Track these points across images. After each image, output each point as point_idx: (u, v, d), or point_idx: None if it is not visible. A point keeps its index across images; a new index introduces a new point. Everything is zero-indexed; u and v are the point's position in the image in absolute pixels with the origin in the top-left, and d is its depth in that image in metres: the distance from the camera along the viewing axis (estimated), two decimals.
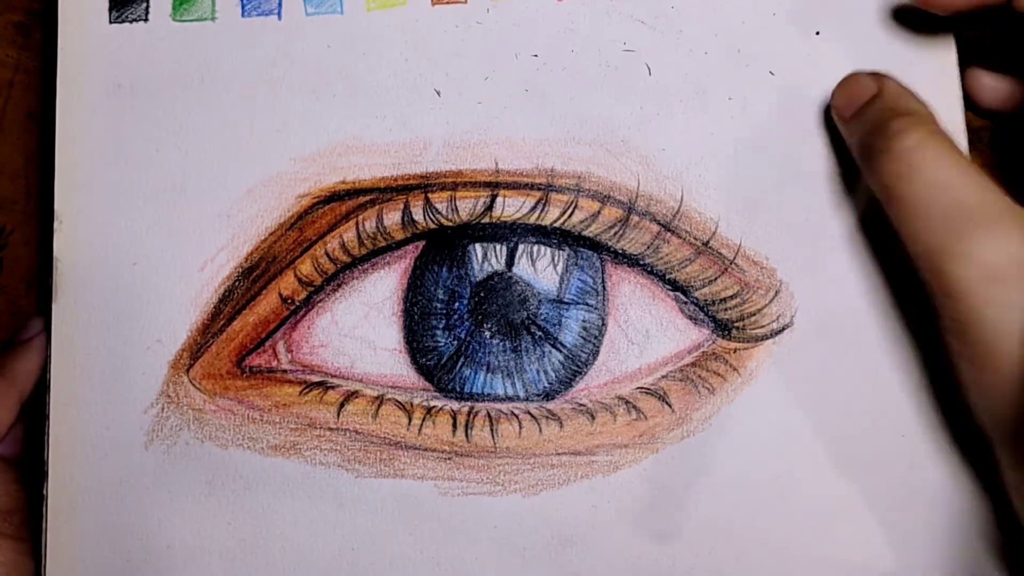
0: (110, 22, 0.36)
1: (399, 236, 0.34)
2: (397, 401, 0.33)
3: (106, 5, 0.36)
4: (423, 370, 0.34)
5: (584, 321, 0.34)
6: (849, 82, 0.32)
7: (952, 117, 0.33)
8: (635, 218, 0.33)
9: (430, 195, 0.34)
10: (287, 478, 0.34)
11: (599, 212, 0.33)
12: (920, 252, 0.27)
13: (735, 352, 0.33)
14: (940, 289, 0.27)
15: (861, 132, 0.30)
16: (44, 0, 0.37)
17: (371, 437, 0.33)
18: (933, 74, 0.33)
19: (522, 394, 0.33)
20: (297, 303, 0.34)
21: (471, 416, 0.33)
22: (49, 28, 0.36)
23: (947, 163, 0.27)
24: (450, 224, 0.34)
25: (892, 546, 0.32)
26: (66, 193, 0.35)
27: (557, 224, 0.34)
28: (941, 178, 0.27)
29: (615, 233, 0.33)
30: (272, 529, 0.33)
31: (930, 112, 0.30)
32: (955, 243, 0.26)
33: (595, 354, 0.33)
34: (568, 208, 0.34)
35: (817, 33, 0.34)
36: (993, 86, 0.33)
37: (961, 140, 0.33)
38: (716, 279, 0.33)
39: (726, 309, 0.33)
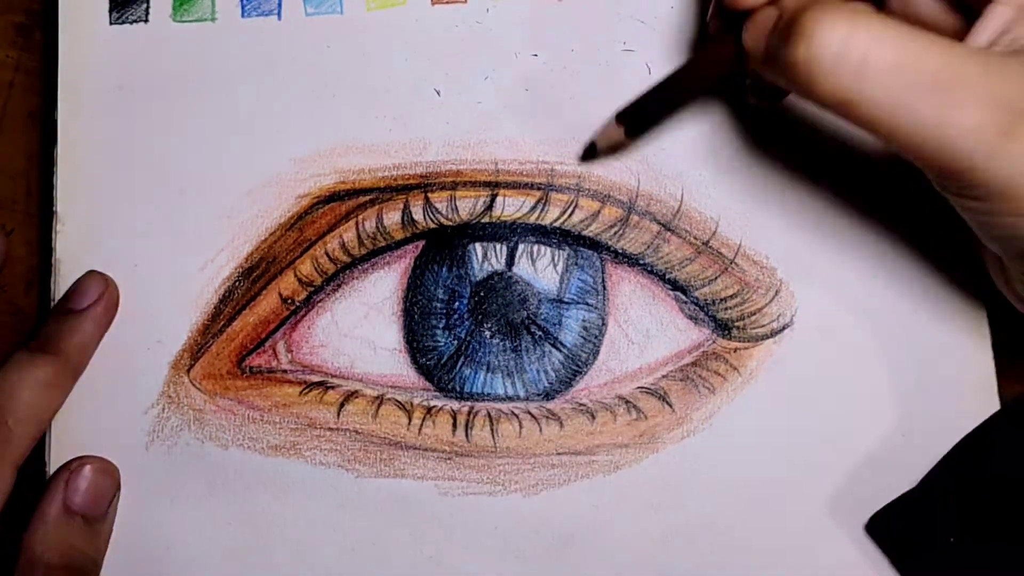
0: (110, 23, 0.36)
1: (399, 236, 0.34)
2: (397, 401, 0.33)
3: (106, 6, 0.36)
4: (423, 370, 0.34)
5: (584, 321, 0.33)
6: (751, 23, 0.28)
7: None
8: (635, 218, 0.33)
9: (430, 195, 0.34)
10: (287, 478, 0.33)
11: (599, 212, 0.33)
12: (911, 143, 0.25)
13: (735, 351, 0.33)
14: (952, 163, 0.25)
15: (783, 62, 0.26)
16: (44, 1, 0.37)
17: (371, 437, 0.33)
18: None
19: (522, 394, 0.33)
20: (297, 303, 0.34)
21: (471, 416, 0.33)
22: (49, 29, 0.36)
23: (886, 39, 0.24)
24: (450, 224, 0.34)
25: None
26: (67, 194, 0.35)
27: (557, 224, 0.34)
28: (891, 59, 0.24)
29: (615, 233, 0.33)
30: (272, 529, 0.33)
31: None
32: (949, 119, 0.24)
33: (595, 354, 0.33)
34: (568, 208, 0.34)
35: None
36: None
37: None
38: (716, 278, 0.33)
39: (726, 308, 0.33)
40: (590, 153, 0.33)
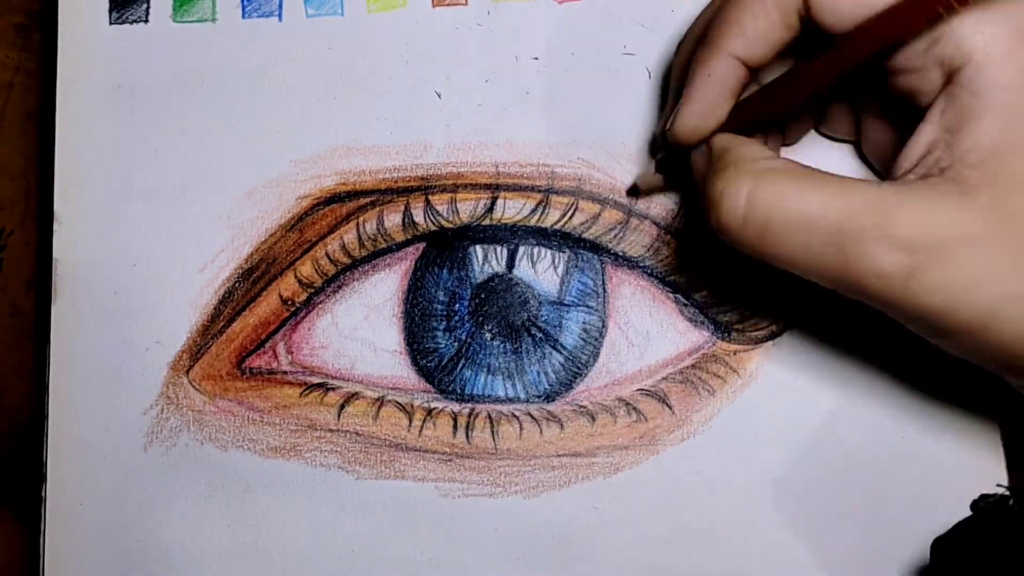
0: (110, 23, 0.35)
1: (400, 238, 0.34)
2: (398, 403, 0.33)
3: (106, 6, 0.35)
4: (424, 372, 0.34)
5: (584, 323, 0.34)
6: (692, 159, 0.30)
7: None
8: (635, 220, 0.34)
9: (431, 197, 0.34)
10: (287, 480, 0.33)
11: (599, 214, 0.34)
12: (836, 287, 0.26)
13: (735, 354, 0.33)
14: (871, 302, 0.26)
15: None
16: (44, 1, 0.37)
17: (372, 439, 0.33)
18: None
19: (523, 396, 0.33)
20: (297, 304, 0.34)
21: (472, 418, 0.33)
22: (49, 29, 0.36)
23: (788, 196, 0.25)
24: (451, 226, 0.34)
25: (890, 546, 0.32)
26: (66, 194, 0.35)
27: (557, 226, 0.34)
28: (792, 218, 0.25)
29: (615, 235, 0.34)
30: (272, 531, 0.33)
31: (744, 148, 0.27)
32: (854, 270, 0.25)
33: (595, 356, 0.33)
34: (568, 210, 0.34)
35: None
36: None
37: None
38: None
39: (726, 311, 0.33)
40: (633, 192, 0.34)
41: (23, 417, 0.36)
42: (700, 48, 0.29)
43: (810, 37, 0.27)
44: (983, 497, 0.31)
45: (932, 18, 0.25)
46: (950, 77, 0.25)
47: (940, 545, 0.30)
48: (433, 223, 0.34)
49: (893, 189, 0.25)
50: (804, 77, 0.27)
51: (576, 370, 0.33)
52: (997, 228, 0.24)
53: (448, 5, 0.35)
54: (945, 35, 0.25)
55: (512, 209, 0.34)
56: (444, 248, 0.34)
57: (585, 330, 0.34)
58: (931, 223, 0.24)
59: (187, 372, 0.34)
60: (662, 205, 0.34)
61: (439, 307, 0.34)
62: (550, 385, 0.33)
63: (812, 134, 0.33)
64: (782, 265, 0.26)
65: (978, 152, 0.25)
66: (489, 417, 0.33)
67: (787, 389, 0.33)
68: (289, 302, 0.34)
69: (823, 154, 0.33)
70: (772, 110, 0.29)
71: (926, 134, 0.26)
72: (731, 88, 0.28)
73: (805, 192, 0.25)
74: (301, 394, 0.34)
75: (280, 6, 0.35)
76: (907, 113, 0.27)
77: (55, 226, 0.35)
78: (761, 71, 0.29)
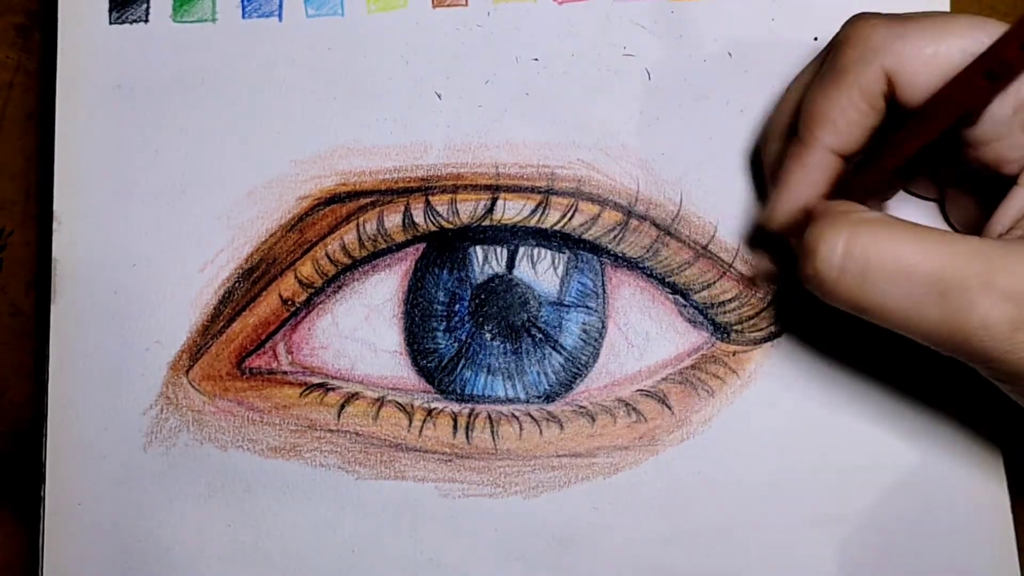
0: (110, 23, 0.35)
1: (400, 238, 0.34)
2: (398, 403, 0.33)
3: (106, 6, 0.35)
4: (424, 372, 0.34)
5: (584, 324, 0.34)
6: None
7: None
8: (635, 222, 0.34)
9: (431, 197, 0.34)
10: (287, 480, 0.34)
11: (599, 215, 0.34)
12: (936, 341, 0.25)
13: (734, 355, 0.33)
14: (970, 358, 0.25)
15: (800, 277, 0.27)
16: (43, 1, 0.37)
17: (372, 439, 0.33)
18: None
19: (523, 396, 0.33)
20: (297, 305, 0.34)
21: (472, 418, 0.33)
22: (48, 28, 0.36)
23: (886, 246, 0.25)
24: (451, 226, 0.34)
25: (891, 548, 0.33)
26: (66, 193, 0.35)
27: (557, 227, 0.34)
28: (892, 267, 0.25)
29: (615, 236, 0.34)
30: (272, 531, 0.33)
31: (840, 204, 0.27)
32: (957, 320, 0.24)
33: (595, 356, 0.34)
34: (568, 211, 0.34)
35: (815, 39, 0.34)
36: None
37: None
38: (715, 282, 0.33)
39: (725, 312, 0.33)
40: (752, 284, 0.33)
41: (23, 417, 0.36)
42: (793, 144, 0.28)
43: (894, 114, 0.27)
44: None
45: (998, 79, 0.25)
46: None
47: None
48: (433, 224, 0.34)
49: (995, 243, 0.25)
50: (886, 154, 0.27)
51: (576, 371, 0.34)
52: None
53: (448, 6, 0.35)
54: None
55: (512, 210, 0.34)
56: (444, 249, 0.34)
57: (585, 331, 0.34)
58: None
59: (187, 372, 0.34)
60: (662, 207, 0.34)
61: (439, 307, 0.34)
62: (550, 386, 0.33)
63: (900, 193, 0.33)
64: (880, 318, 0.26)
65: None
66: (489, 417, 0.33)
67: (786, 390, 0.33)
68: (289, 302, 0.34)
69: (910, 212, 0.33)
70: (861, 186, 0.29)
71: (1019, 198, 0.26)
72: (827, 179, 0.28)
73: (906, 241, 0.25)
74: (301, 394, 0.34)
75: (280, 6, 0.35)
76: (990, 182, 0.27)
77: (55, 226, 0.35)
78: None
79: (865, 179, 0.28)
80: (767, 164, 0.32)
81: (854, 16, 0.28)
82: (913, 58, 0.26)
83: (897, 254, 0.25)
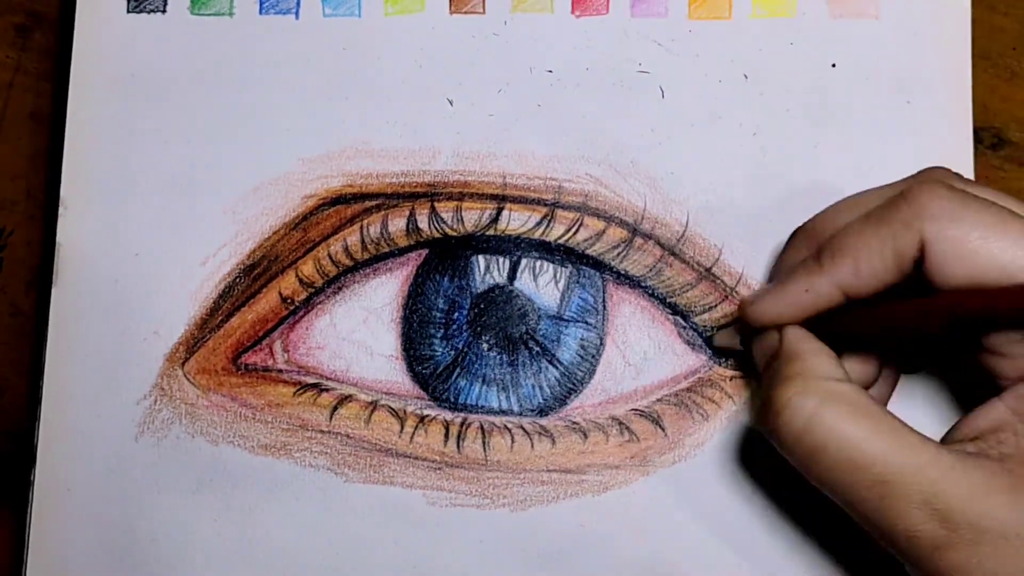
0: (128, 11, 0.36)
1: (403, 243, 0.34)
2: (390, 408, 0.33)
3: None
4: (419, 378, 0.34)
5: (582, 339, 0.34)
6: (757, 342, 0.30)
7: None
8: (639, 240, 0.33)
9: (436, 204, 0.34)
10: (276, 478, 0.33)
11: (604, 231, 0.33)
12: (868, 529, 0.26)
13: (731, 380, 0.33)
14: (893, 553, 0.26)
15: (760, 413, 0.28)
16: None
17: (362, 442, 0.33)
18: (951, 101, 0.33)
19: (516, 408, 0.33)
20: (297, 303, 0.34)
21: (464, 427, 0.33)
22: (65, 14, 0.36)
23: (846, 431, 0.25)
24: (455, 234, 0.34)
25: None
26: (73, 179, 0.35)
27: (561, 241, 0.34)
28: (843, 455, 0.25)
29: (619, 253, 0.33)
30: (258, 528, 0.33)
31: (815, 359, 0.27)
32: (888, 522, 0.25)
33: (591, 373, 0.33)
34: (573, 225, 0.34)
35: (833, 66, 0.34)
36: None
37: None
38: (716, 306, 0.33)
39: None
40: (709, 345, 0.33)
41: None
42: (810, 263, 0.28)
43: (910, 281, 0.27)
44: None
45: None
46: None
47: None
48: (437, 230, 0.34)
49: (948, 458, 0.25)
50: (894, 315, 0.27)
51: (571, 386, 0.33)
52: None
53: (465, 13, 0.35)
54: None
55: (517, 221, 0.34)
56: (446, 256, 0.34)
57: (583, 346, 0.33)
58: (976, 506, 0.24)
59: (183, 364, 0.34)
60: (667, 227, 0.33)
61: (438, 314, 0.34)
62: (544, 399, 0.33)
63: None
64: (821, 487, 0.26)
65: None
66: (481, 428, 0.33)
67: None
68: (289, 300, 0.34)
69: None
70: (851, 328, 0.28)
71: (997, 412, 0.27)
72: (822, 307, 0.28)
73: (866, 434, 0.25)
74: (295, 393, 0.34)
75: (298, 4, 0.35)
76: (983, 378, 0.28)
77: (60, 211, 0.35)
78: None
79: (853, 324, 0.28)
80: (786, 258, 0.31)
81: (933, 169, 0.28)
82: (955, 241, 0.25)
83: (853, 447, 0.25)
